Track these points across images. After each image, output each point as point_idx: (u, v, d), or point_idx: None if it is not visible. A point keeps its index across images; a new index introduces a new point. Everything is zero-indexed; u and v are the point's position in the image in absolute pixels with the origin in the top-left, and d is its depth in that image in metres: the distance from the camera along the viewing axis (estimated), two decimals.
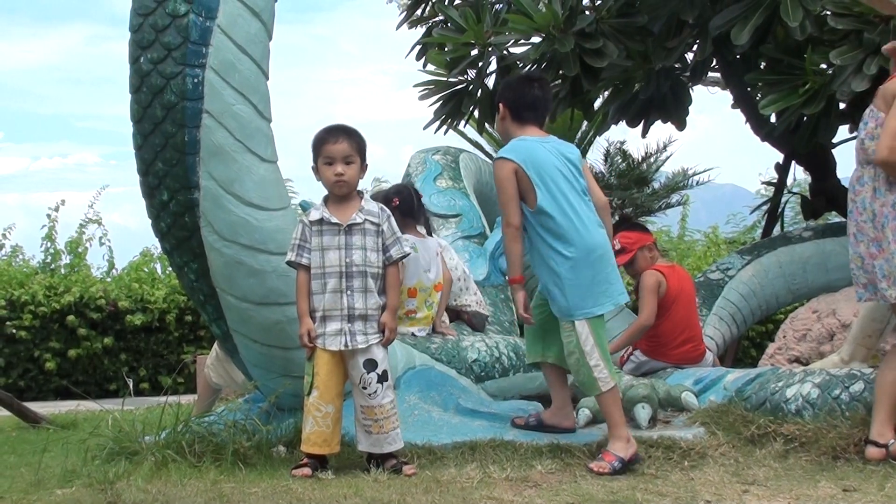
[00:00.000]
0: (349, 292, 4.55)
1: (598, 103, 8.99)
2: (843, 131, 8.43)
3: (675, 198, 13.09)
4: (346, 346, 4.53)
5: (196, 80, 4.51)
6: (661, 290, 6.55)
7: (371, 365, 4.55)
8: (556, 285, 4.85)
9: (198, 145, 4.57)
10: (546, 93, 5.19)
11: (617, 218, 12.80)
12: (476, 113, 8.90)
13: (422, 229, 6.59)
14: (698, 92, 8.68)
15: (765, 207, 10.22)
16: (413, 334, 6.23)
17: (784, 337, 6.88)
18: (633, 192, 12.42)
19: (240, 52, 4.60)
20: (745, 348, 11.69)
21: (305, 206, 6.04)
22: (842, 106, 7.36)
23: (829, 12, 6.87)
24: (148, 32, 4.53)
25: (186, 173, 4.61)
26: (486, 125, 10.10)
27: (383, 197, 6.32)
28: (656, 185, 13.05)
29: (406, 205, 6.59)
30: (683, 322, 6.58)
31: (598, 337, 4.81)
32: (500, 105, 5.14)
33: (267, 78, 4.78)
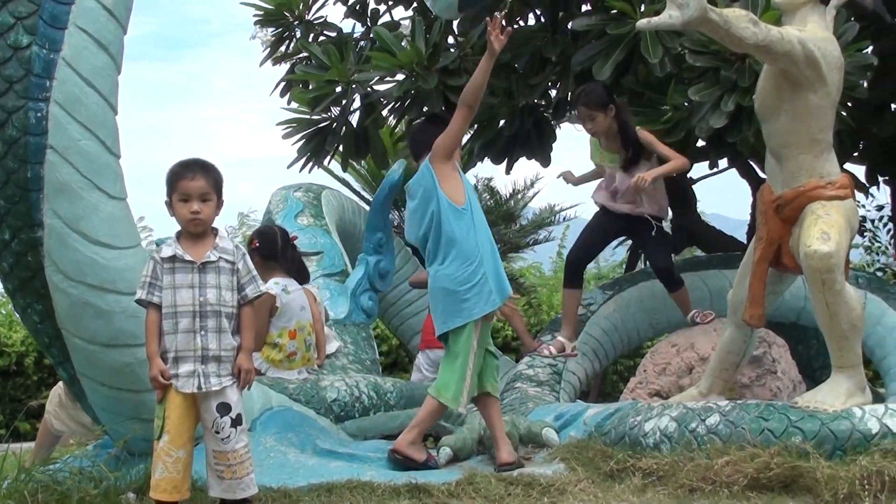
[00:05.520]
0: (203, 332, 4.39)
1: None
2: (702, 167, 8.60)
3: (542, 234, 13.17)
4: (199, 388, 4.35)
5: (39, 115, 4.37)
6: None
7: (225, 408, 4.39)
8: None
9: (41, 182, 4.42)
10: None
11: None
12: (341, 149, 8.84)
13: (283, 276, 6.44)
14: (566, 129, 8.77)
15: (629, 243, 10.34)
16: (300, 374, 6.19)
17: (644, 371, 6.93)
18: (500, 228, 12.44)
19: (86, 85, 4.46)
20: (613, 382, 11.77)
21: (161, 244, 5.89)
22: (700, 143, 7.49)
23: (687, 50, 7.00)
24: None
25: (30, 211, 4.45)
26: (352, 162, 10.02)
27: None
28: (524, 221, 13.12)
29: (267, 247, 6.43)
30: None
31: None
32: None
33: (115, 112, 4.65)
